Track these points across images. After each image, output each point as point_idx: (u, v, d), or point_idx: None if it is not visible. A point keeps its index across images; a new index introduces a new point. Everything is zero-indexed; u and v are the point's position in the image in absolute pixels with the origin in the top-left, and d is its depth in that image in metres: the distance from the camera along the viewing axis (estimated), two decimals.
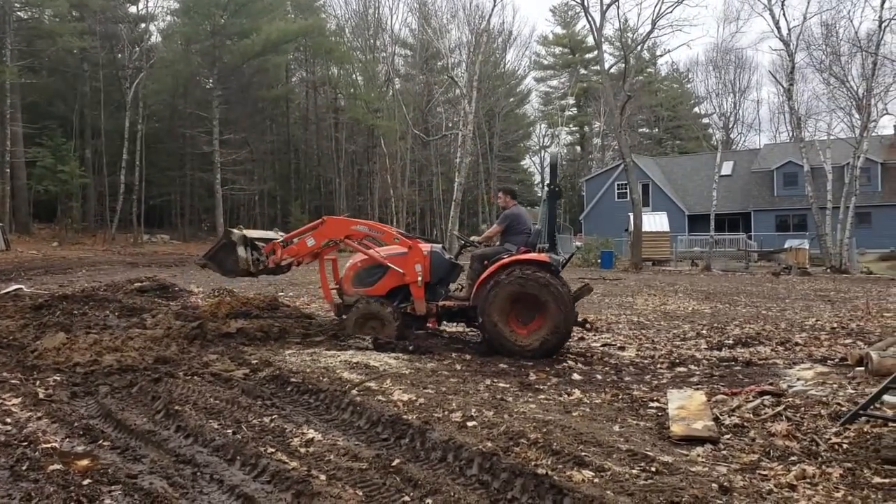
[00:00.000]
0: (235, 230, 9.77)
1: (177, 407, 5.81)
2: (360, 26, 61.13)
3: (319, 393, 6.27)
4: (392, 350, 8.64)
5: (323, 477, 4.35)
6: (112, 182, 44.14)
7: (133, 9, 51.18)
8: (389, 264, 9.23)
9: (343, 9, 64.35)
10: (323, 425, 5.54)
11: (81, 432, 5.26)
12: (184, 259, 35.98)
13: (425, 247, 9.41)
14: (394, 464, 4.57)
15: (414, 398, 6.16)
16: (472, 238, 10.22)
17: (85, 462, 4.53)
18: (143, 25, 51.59)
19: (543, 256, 8.93)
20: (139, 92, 43.82)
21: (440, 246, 9.74)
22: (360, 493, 4.13)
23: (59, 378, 6.96)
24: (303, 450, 4.91)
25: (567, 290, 8.77)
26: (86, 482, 4.20)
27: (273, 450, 4.85)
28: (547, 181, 9.58)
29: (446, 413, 5.72)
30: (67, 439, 5.12)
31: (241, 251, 9.49)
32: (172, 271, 25.83)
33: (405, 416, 5.50)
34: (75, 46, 42.32)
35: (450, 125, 57.94)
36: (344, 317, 9.53)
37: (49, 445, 4.89)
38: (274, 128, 59.67)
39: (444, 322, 9.85)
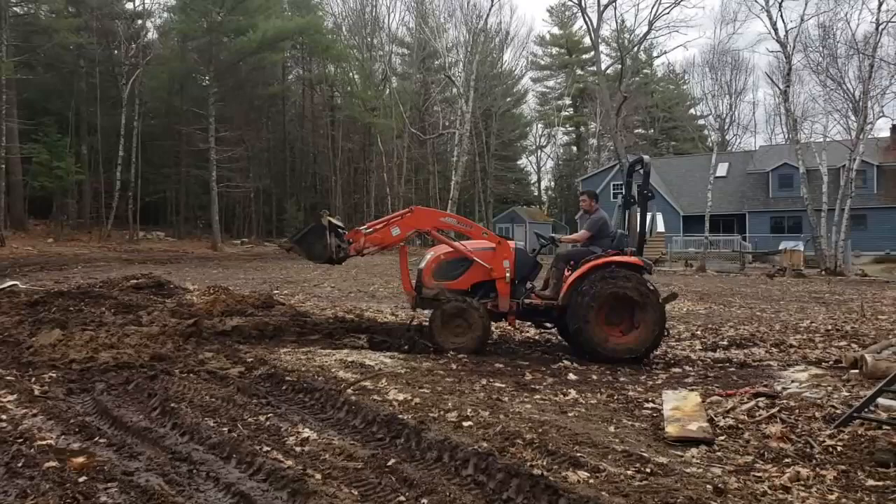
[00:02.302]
0: (323, 215, 9.45)
1: (173, 404, 5.81)
2: (357, 24, 61.11)
3: (314, 392, 6.28)
4: (387, 349, 8.65)
5: (318, 476, 4.35)
6: (108, 179, 43.99)
7: (129, 5, 51.02)
8: (477, 259, 9.07)
9: (340, 7, 64.32)
10: (318, 424, 5.54)
11: (77, 429, 5.26)
12: (179, 256, 35.97)
13: (511, 243, 9.36)
14: (389, 463, 4.57)
15: (409, 398, 6.17)
16: (553, 236, 10.09)
17: (81, 459, 4.52)
18: (139, 22, 51.40)
19: (637, 259, 8.97)
20: (135, 89, 43.66)
21: (522, 244, 9.70)
22: (356, 493, 4.14)
23: (54, 375, 6.95)
24: (298, 448, 4.91)
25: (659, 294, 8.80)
26: (81, 479, 4.20)
27: (268, 448, 4.86)
28: (639, 185, 9.49)
29: (442, 413, 5.72)
30: (63, 436, 5.12)
31: (328, 237, 9.16)
32: (168, 268, 25.83)
33: (401, 416, 5.51)
34: (71, 42, 42.13)
35: (446, 124, 57.94)
36: (418, 310, 9.50)
37: (45, 442, 4.89)
38: (270, 125, 59.52)
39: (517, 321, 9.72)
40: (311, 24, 52.31)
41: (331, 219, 9.44)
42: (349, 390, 6.37)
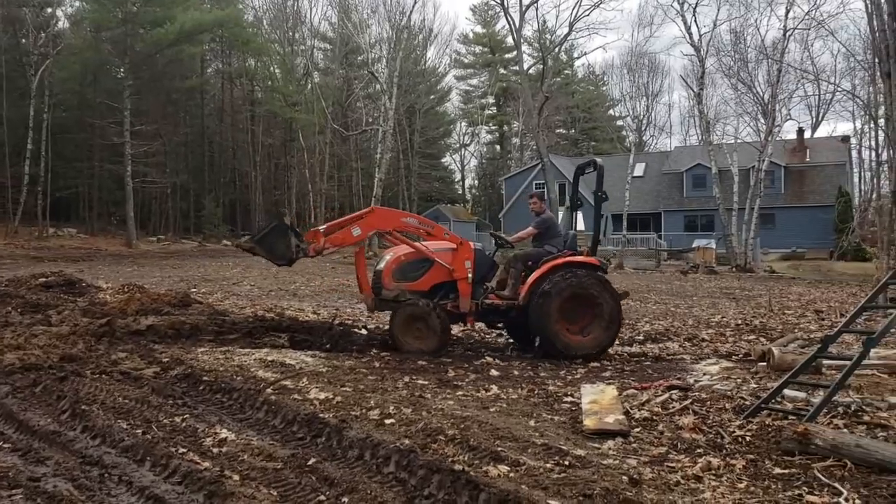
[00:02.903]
0: (285, 214, 9.01)
1: (83, 407, 5.61)
2: (278, 18, 60.05)
3: (233, 392, 6.16)
4: (309, 348, 8.56)
5: (236, 477, 4.27)
6: (15, 173, 42.01)
7: None
8: (438, 259, 8.95)
9: (261, 0, 62.96)
10: (236, 425, 5.44)
11: None
12: (92, 254, 34.77)
13: (471, 244, 9.32)
14: (309, 463, 4.52)
15: (331, 396, 6.12)
16: (500, 234, 10.15)
17: None
18: (48, 10, 49.32)
19: (594, 259, 9.18)
20: (45, 79, 41.90)
21: (480, 245, 9.64)
22: (275, 493, 4.08)
23: None
24: (215, 450, 4.81)
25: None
26: None
27: (185, 450, 4.74)
28: (593, 189, 9.70)
29: (364, 411, 5.70)
30: None
31: (290, 236, 8.75)
32: (80, 266, 24.94)
33: (322, 415, 5.46)
34: None
35: (370, 120, 57.69)
36: (375, 311, 9.45)
37: None
38: (188, 119, 58.00)
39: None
40: (230, 17, 51.19)
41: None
42: (269, 390, 6.28)
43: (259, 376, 6.88)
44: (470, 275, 8.95)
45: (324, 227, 9.16)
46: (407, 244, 9.30)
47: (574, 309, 8.83)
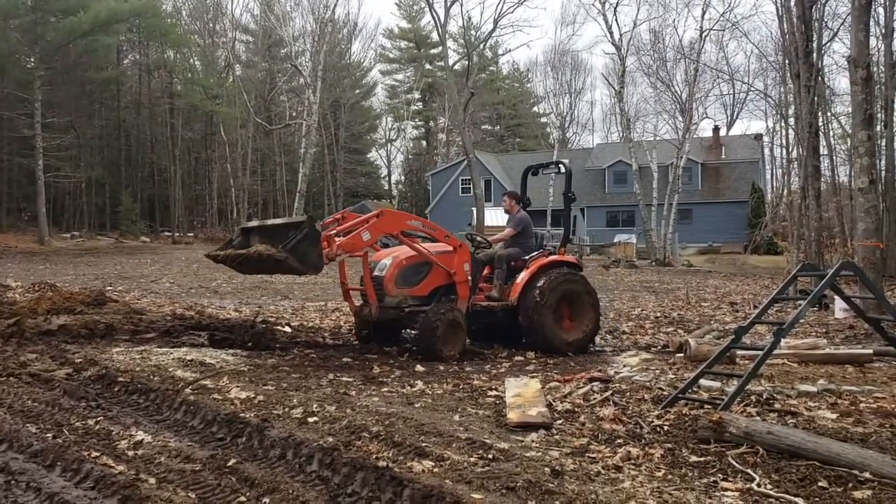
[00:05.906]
0: (316, 220, 8.25)
1: None
2: (198, 9, 58.68)
3: (150, 392, 5.99)
4: (230, 346, 8.38)
5: (152, 480, 4.14)
6: None
7: None
8: (439, 263, 8.69)
9: None
10: (153, 426, 5.29)
11: None
12: (0, 252, 33.30)
13: (468, 246, 9.27)
14: (229, 464, 4.42)
15: (252, 395, 6.00)
16: (474, 235, 10.31)
17: None
18: None
19: (573, 258, 9.61)
20: None
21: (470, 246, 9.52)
22: (193, 496, 3.97)
23: None
24: (130, 453, 4.66)
25: None
26: None
27: (98, 454, 4.57)
28: (563, 189, 9.78)
29: (287, 410, 5.61)
30: None
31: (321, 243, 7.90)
32: None
33: (242, 414, 5.35)
34: None
35: (293, 114, 56.85)
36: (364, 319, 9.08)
37: None
38: (103, 112, 56.02)
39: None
40: (147, 7, 49.60)
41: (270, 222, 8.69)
42: (187, 390, 6.12)
43: (177, 376, 6.70)
44: (469, 277, 8.87)
45: (332, 230, 8.45)
46: (411, 247, 8.82)
47: (561, 305, 9.09)
